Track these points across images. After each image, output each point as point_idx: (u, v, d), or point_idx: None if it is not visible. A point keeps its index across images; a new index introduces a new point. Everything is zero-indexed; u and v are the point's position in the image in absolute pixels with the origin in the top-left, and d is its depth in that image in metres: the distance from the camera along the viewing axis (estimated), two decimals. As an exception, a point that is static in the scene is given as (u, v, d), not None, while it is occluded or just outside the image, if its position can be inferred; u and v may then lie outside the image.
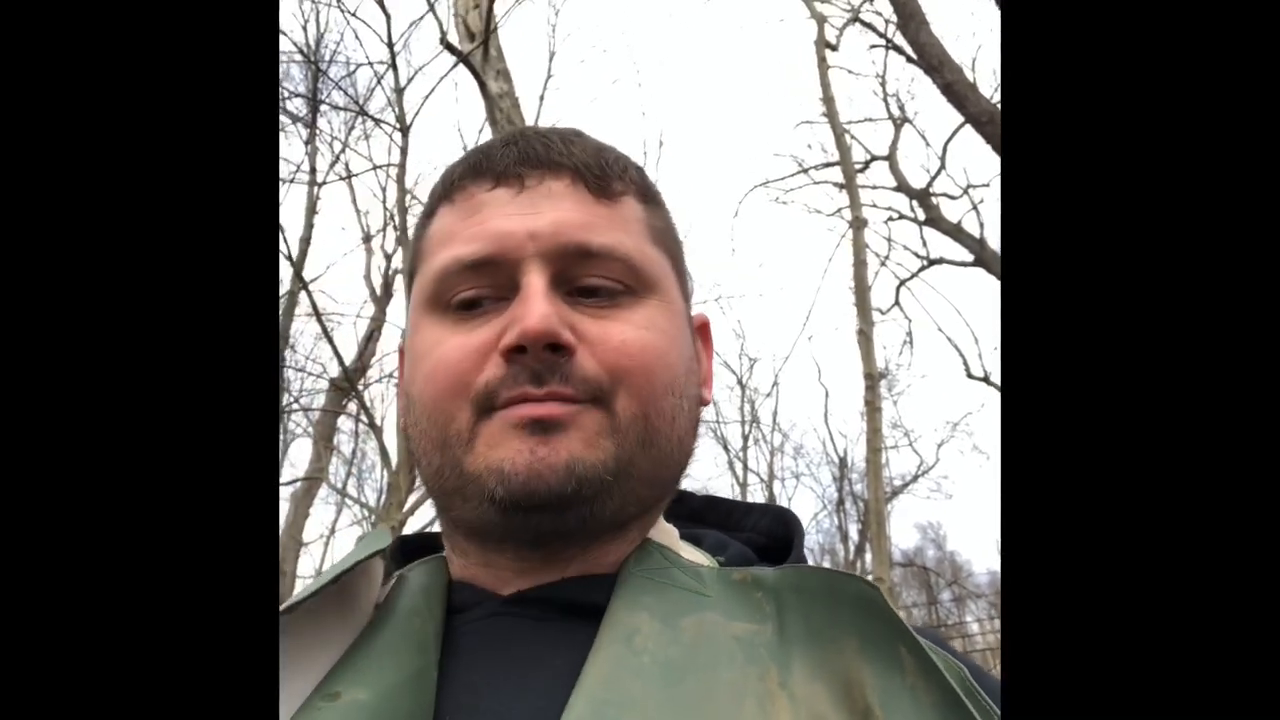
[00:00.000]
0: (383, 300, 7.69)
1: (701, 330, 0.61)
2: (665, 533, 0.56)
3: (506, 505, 0.48)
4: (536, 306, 0.49)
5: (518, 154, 0.54)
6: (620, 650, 0.44)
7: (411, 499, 4.17)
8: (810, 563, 0.56)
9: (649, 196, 0.58)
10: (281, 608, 0.46)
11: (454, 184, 0.56)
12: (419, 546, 0.60)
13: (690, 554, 0.54)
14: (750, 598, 0.48)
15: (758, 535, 0.60)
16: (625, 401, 0.50)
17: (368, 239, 8.19)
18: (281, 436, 6.87)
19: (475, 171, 0.55)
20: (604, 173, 0.54)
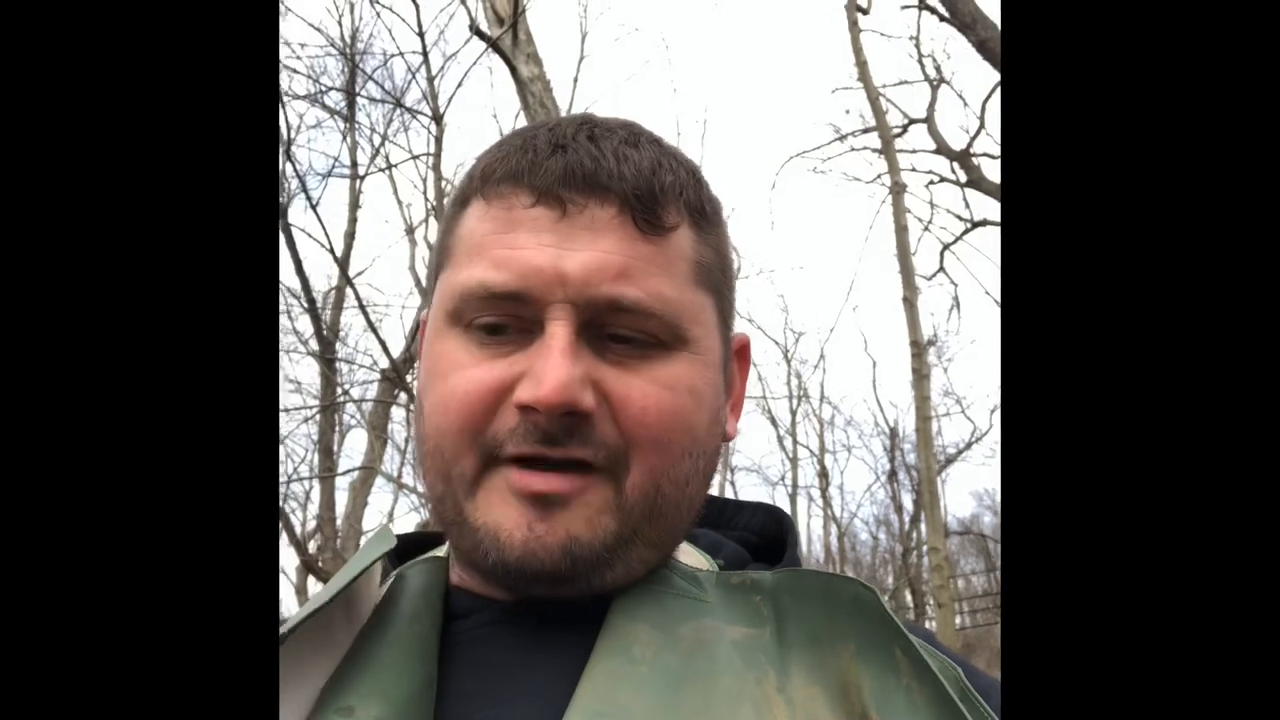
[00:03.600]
0: (428, 291, 7.71)
1: (740, 353, 0.58)
2: None
3: (499, 570, 0.48)
4: (556, 370, 0.46)
5: (563, 170, 0.49)
6: (618, 661, 0.45)
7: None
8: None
9: (702, 219, 0.53)
10: (291, 624, 0.46)
11: (494, 182, 0.51)
12: (415, 544, 0.60)
13: (687, 555, 0.54)
14: (748, 602, 0.48)
15: (750, 534, 0.60)
16: (637, 475, 0.48)
17: (410, 231, 8.29)
18: (336, 428, 7.01)
19: (516, 177, 0.50)
20: (655, 202, 0.49)
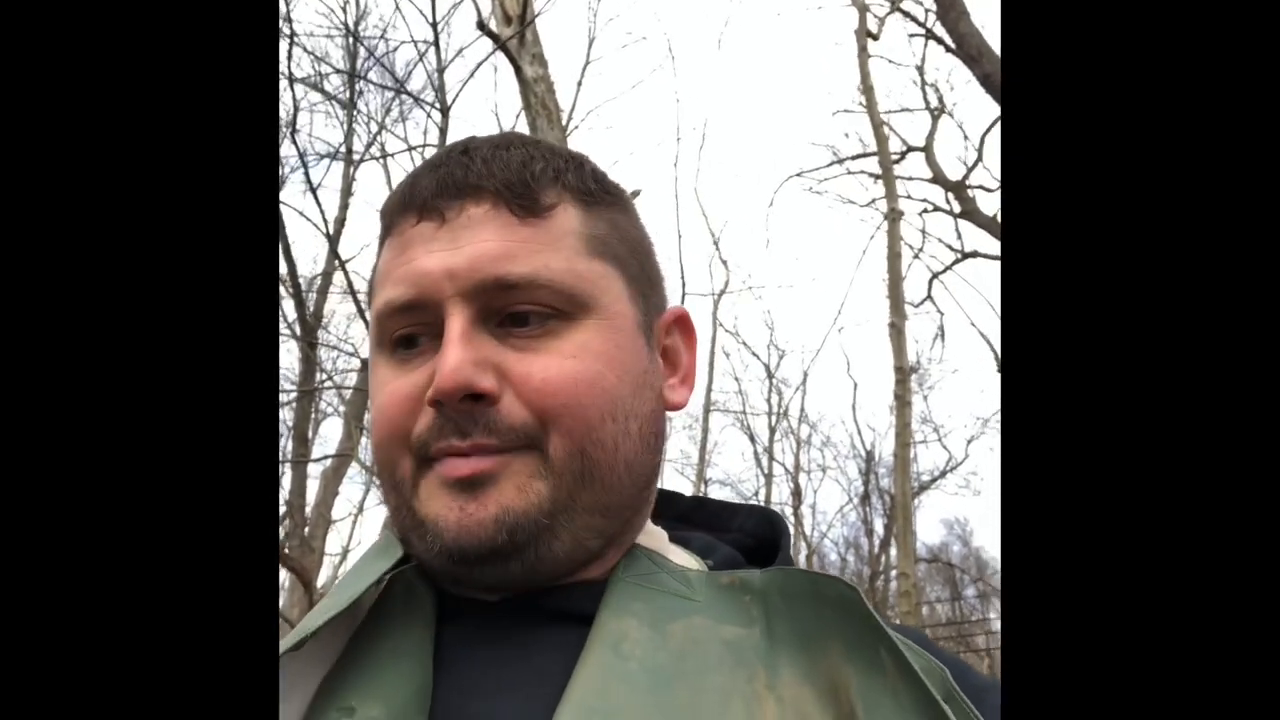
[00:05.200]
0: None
1: (679, 324, 0.59)
2: (654, 536, 0.56)
3: (445, 558, 0.49)
4: (449, 357, 0.48)
5: (436, 184, 0.52)
6: (608, 657, 0.45)
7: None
8: (800, 565, 0.56)
9: (591, 199, 0.55)
10: (303, 634, 0.47)
11: (389, 216, 0.55)
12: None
13: (679, 557, 0.54)
14: (738, 601, 0.48)
15: (745, 536, 0.60)
16: (557, 442, 0.49)
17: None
18: (313, 415, 6.94)
19: (403, 205, 0.54)
20: (528, 189, 0.52)
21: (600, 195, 0.56)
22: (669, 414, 0.58)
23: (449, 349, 0.49)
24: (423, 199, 0.52)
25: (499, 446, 0.49)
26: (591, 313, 0.52)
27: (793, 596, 0.47)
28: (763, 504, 0.64)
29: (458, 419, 0.49)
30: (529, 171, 0.52)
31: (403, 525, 0.53)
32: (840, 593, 0.46)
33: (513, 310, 0.50)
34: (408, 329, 0.52)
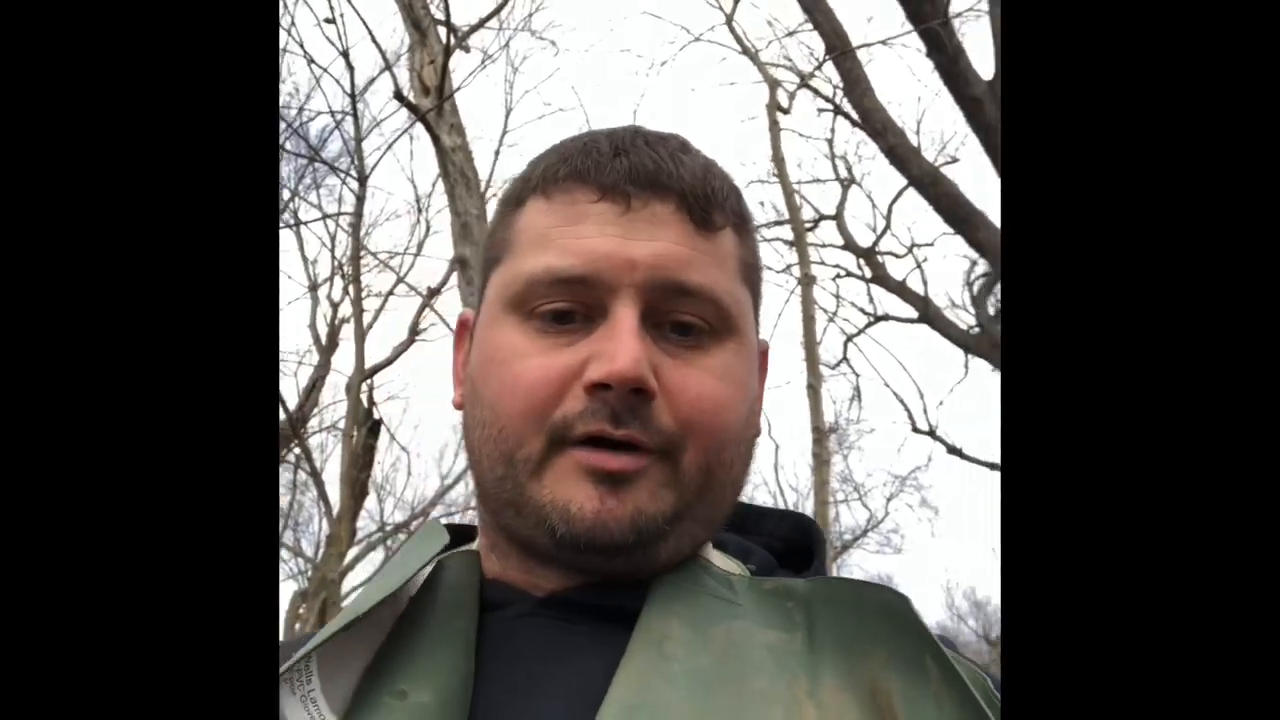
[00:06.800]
0: (327, 350, 7.57)
1: (761, 357, 0.61)
2: None
3: (566, 543, 0.49)
4: (628, 346, 0.48)
5: (628, 169, 0.52)
6: (651, 656, 0.45)
7: (353, 552, 4.07)
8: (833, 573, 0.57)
9: (744, 226, 0.57)
10: (348, 620, 0.48)
11: (554, 181, 0.54)
12: (454, 534, 0.61)
13: (719, 561, 0.55)
14: (781, 607, 0.49)
15: (775, 540, 0.61)
16: (692, 454, 0.51)
17: (314, 287, 8.10)
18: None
19: (581, 175, 0.53)
20: (708, 202, 0.53)
21: (749, 223, 0.58)
22: None
23: (625, 339, 0.49)
24: (612, 180, 0.52)
25: (647, 445, 0.49)
26: (735, 335, 0.53)
27: (836, 604, 0.48)
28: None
29: (618, 408, 0.49)
30: (710, 186, 0.54)
31: (502, 499, 0.52)
32: (887, 601, 0.46)
33: (671, 319, 0.51)
34: (561, 303, 0.51)
